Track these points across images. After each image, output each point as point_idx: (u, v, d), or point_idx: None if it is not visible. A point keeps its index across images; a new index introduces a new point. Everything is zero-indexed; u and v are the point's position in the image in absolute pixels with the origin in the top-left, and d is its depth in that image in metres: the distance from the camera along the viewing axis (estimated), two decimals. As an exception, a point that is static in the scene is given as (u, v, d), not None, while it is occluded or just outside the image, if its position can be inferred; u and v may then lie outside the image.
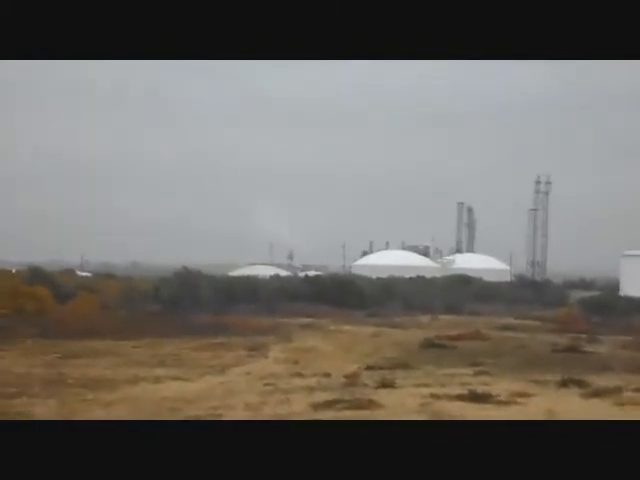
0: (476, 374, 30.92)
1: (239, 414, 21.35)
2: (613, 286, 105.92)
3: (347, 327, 54.67)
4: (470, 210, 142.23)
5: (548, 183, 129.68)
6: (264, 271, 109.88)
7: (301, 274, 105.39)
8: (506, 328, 56.07)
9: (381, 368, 32.07)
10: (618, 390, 25.30)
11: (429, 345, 41.87)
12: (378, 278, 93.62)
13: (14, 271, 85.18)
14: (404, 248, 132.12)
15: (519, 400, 23.61)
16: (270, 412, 21.57)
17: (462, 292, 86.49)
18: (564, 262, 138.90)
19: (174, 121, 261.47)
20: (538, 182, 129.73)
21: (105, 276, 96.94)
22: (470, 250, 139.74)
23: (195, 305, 62.84)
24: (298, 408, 22.26)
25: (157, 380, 28.54)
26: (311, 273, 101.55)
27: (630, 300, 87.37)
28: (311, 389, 26.14)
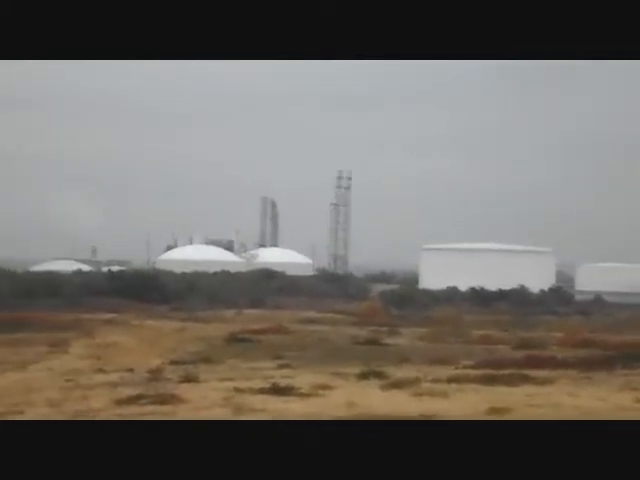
0: (279, 367, 31.26)
1: (40, 411, 20.99)
2: (413, 279, 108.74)
3: (151, 322, 54.30)
4: (274, 204, 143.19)
5: (349, 178, 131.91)
6: (66, 266, 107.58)
7: (104, 269, 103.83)
8: (309, 321, 56.84)
9: (185, 363, 32.05)
10: (416, 381, 26.03)
11: (233, 339, 42.07)
12: (182, 273, 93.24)
13: None
14: (208, 242, 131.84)
15: (321, 392, 23.99)
16: (71, 408, 21.28)
17: (266, 286, 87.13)
18: (365, 256, 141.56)
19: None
20: (340, 177, 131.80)
21: None
22: (274, 244, 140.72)
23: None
24: (100, 404, 22.02)
25: (-46, 377, 27.76)
26: (114, 268, 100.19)
27: (428, 292, 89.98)
28: (114, 385, 25.89)
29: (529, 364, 30.50)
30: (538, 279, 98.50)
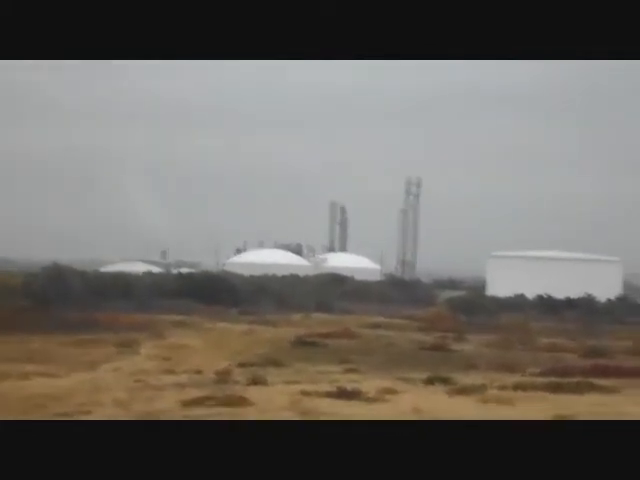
0: (346, 371, 31.43)
1: (108, 411, 21.28)
2: (480, 286, 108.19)
3: (219, 324, 54.73)
4: (343, 209, 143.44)
5: (418, 185, 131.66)
6: (136, 268, 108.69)
7: (174, 271, 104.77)
8: (376, 326, 56.88)
9: (252, 365, 32.33)
10: (482, 388, 26.04)
11: (300, 343, 42.29)
12: (251, 276, 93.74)
13: None
14: (277, 246, 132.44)
15: (387, 397, 24.09)
16: (139, 409, 21.59)
17: (334, 291, 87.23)
18: (433, 262, 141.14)
19: (42, 119, 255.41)
20: (409, 183, 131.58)
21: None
22: (342, 249, 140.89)
23: (65, 301, 61.96)
24: (168, 405, 22.31)
25: (25, 376, 28.18)
26: (184, 270, 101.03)
27: (496, 300, 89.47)
28: (182, 386, 26.20)
29: (596, 372, 30.35)
30: (605, 288, 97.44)
